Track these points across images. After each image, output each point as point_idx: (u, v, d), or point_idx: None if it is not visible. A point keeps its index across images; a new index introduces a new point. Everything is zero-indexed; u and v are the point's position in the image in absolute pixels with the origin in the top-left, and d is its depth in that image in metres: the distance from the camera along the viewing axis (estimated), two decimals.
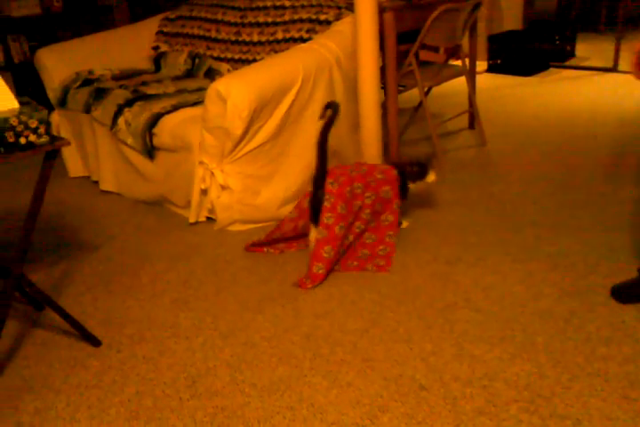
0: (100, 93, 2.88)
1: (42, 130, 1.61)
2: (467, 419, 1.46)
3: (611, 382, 1.54)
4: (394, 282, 2.07)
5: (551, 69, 4.78)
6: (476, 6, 3.08)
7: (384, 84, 3.01)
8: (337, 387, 1.61)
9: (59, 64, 3.17)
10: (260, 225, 2.53)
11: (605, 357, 1.63)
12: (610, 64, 4.60)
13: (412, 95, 4.17)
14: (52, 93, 3.13)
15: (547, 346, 1.69)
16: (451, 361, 1.67)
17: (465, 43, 3.48)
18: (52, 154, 1.67)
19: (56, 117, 3.16)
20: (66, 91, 3.05)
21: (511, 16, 4.99)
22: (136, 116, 2.66)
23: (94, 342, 1.85)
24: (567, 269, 2.05)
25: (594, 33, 5.90)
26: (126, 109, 2.72)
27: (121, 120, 2.71)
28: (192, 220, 2.55)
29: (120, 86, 2.97)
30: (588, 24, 6.02)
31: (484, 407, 1.49)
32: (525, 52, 4.60)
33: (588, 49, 5.26)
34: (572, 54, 5.03)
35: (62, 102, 3.07)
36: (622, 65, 4.58)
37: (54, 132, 3.20)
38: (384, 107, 3.10)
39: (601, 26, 5.91)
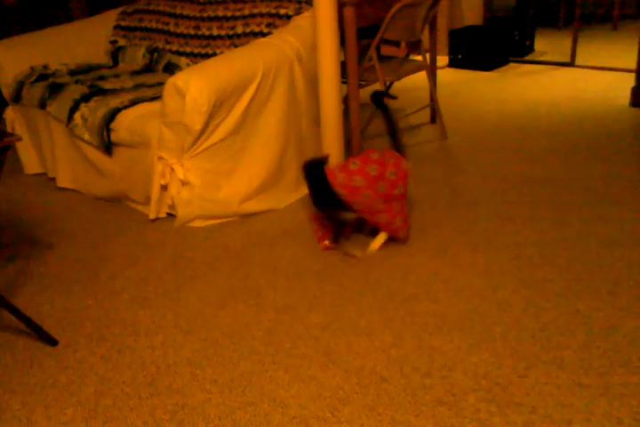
0: (55, 88, 2.82)
1: None
2: (426, 409, 1.48)
3: (566, 369, 1.58)
4: (355, 274, 2.08)
5: (511, 64, 4.86)
6: (435, 2, 3.10)
7: (345, 79, 3.01)
8: (298, 381, 1.61)
9: (12, 59, 3.09)
10: (221, 221, 2.51)
11: (561, 345, 1.67)
12: (567, 59, 4.69)
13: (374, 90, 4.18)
14: (6, 89, 3.04)
15: (504, 336, 1.72)
16: (411, 353, 1.68)
17: (425, 38, 3.50)
18: (3, 150, 1.62)
19: (10, 113, 3.08)
20: (20, 86, 2.97)
21: (471, 12, 5.05)
22: (93, 111, 2.60)
23: (51, 341, 1.81)
24: (524, 260, 2.09)
25: (553, 29, 6.01)
26: (83, 104, 2.66)
27: (77, 115, 2.65)
28: (152, 216, 2.51)
29: (76, 81, 2.91)
30: (547, 20, 6.13)
31: (443, 397, 1.51)
32: (485, 48, 4.66)
33: (546, 44, 5.35)
34: (530, 49, 5.12)
35: (17, 98, 2.99)
36: (579, 60, 4.68)
37: (9, 129, 3.11)
38: (346, 102, 3.11)
39: (560, 22, 6.02)
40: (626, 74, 4.25)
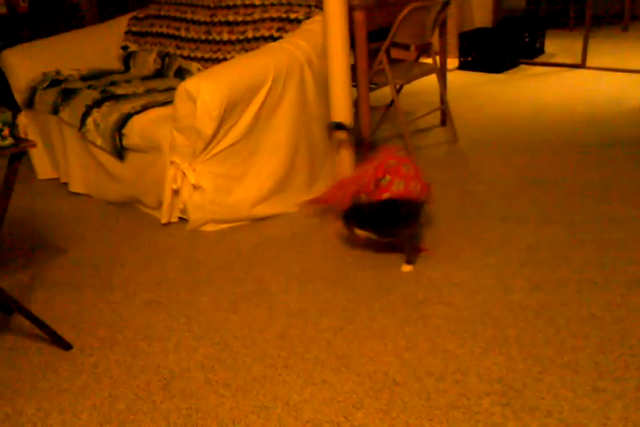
0: (67, 94, 2.84)
1: (6, 132, 1.58)
2: (440, 413, 1.48)
3: (580, 373, 1.57)
4: (367, 279, 2.08)
5: (521, 66, 4.84)
6: (445, 4, 3.10)
7: (355, 83, 3.01)
8: (311, 385, 1.61)
9: (25, 65, 3.12)
10: (233, 225, 2.52)
11: (575, 349, 1.66)
12: (578, 61, 4.67)
13: (384, 93, 4.18)
14: (19, 95, 3.08)
15: (518, 339, 1.71)
16: (424, 356, 1.68)
17: (435, 40, 3.50)
18: (18, 156, 1.64)
19: (23, 119, 3.10)
20: (33, 92, 2.99)
21: (481, 14, 5.04)
22: (105, 116, 2.62)
23: (65, 345, 1.82)
24: (537, 263, 2.08)
25: (563, 30, 5.99)
26: (95, 110, 2.68)
27: (89, 121, 2.67)
28: (164, 220, 2.53)
29: (88, 87, 2.93)
30: (557, 21, 6.10)
31: (456, 401, 1.51)
32: (496, 50, 4.65)
33: (556, 46, 5.33)
34: (541, 51, 5.10)
35: (29, 103, 3.01)
36: (590, 61, 4.66)
37: (21, 134, 3.14)
38: (356, 105, 3.11)
39: (570, 23, 6.00)
40: (637, 75, 4.22)
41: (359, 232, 2.11)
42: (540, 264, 2.07)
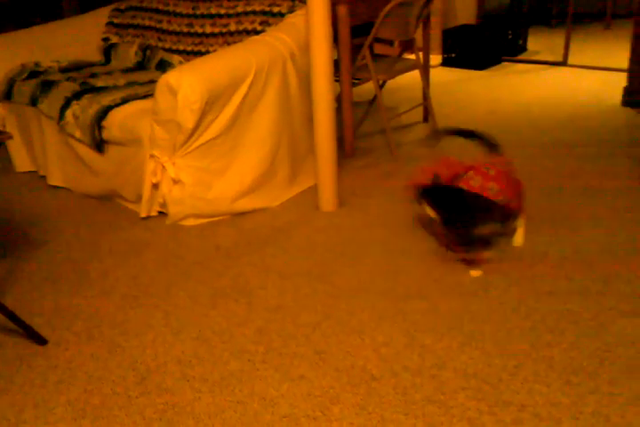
0: (46, 86, 2.80)
1: None
2: (416, 408, 1.48)
3: (555, 368, 1.58)
4: (347, 274, 2.08)
5: (504, 63, 4.86)
6: (429, 0, 3.10)
7: (338, 78, 3.01)
8: (289, 380, 1.61)
9: (4, 56, 3.07)
10: (213, 219, 2.51)
11: (550, 344, 1.67)
12: (560, 58, 4.70)
13: (368, 88, 4.18)
14: None
15: (494, 334, 1.73)
16: (402, 351, 1.69)
17: (419, 37, 3.50)
18: None
19: (1, 111, 3.05)
20: (11, 83, 2.95)
21: (465, 10, 5.05)
22: (84, 108, 2.59)
23: (40, 340, 1.80)
24: (515, 259, 2.10)
25: (545, 28, 6.02)
26: (74, 102, 2.65)
27: (69, 113, 2.64)
28: (143, 214, 2.51)
29: (68, 79, 2.89)
30: (540, 19, 6.14)
31: (432, 396, 1.52)
32: (479, 47, 4.66)
33: (539, 43, 5.36)
34: (523, 49, 5.12)
35: (7, 95, 2.96)
36: (572, 59, 4.69)
37: None
38: (339, 100, 3.10)
39: (552, 21, 6.03)
40: (618, 73, 4.26)
41: (428, 211, 2.05)
42: (517, 260, 2.09)
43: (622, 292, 1.88)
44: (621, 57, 4.49)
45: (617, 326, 1.72)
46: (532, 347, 1.66)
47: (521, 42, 5.08)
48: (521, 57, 4.98)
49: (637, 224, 2.27)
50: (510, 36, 4.92)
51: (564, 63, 4.67)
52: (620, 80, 3.74)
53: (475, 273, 2.01)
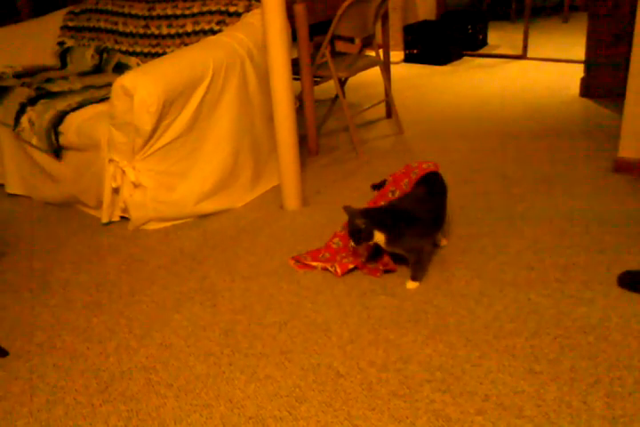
0: (0, 92, 2.74)
1: None
2: (382, 403, 1.49)
3: (517, 357, 1.61)
4: (312, 272, 2.08)
5: (465, 58, 4.91)
6: None
7: (300, 76, 3.00)
8: (255, 381, 1.60)
9: None
10: (176, 222, 2.48)
11: (512, 333, 1.70)
12: (520, 52, 4.76)
13: (331, 86, 4.18)
14: None
15: (458, 326, 1.74)
16: (367, 347, 1.69)
17: (379, 33, 3.52)
18: None
19: None
20: None
21: (425, 6, 5.09)
22: (40, 114, 2.54)
23: (1, 352, 1.76)
24: (476, 251, 2.12)
25: (505, 22, 6.09)
26: (29, 108, 2.60)
27: (24, 119, 2.59)
28: (105, 220, 2.47)
29: (23, 84, 2.84)
30: (500, 13, 6.21)
31: (398, 390, 1.52)
32: (440, 42, 4.70)
33: (499, 38, 5.42)
34: (484, 43, 5.18)
35: None
36: (531, 52, 4.76)
37: None
38: (301, 99, 3.10)
39: (511, 15, 6.11)
40: (575, 65, 4.34)
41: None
42: (479, 252, 2.11)
43: (581, 280, 1.91)
44: (579, 49, 4.57)
45: (576, 314, 1.75)
46: (494, 337, 1.68)
47: (481, 36, 5.13)
48: (482, 51, 5.04)
49: (594, 212, 2.32)
50: (471, 31, 4.97)
51: (523, 56, 4.73)
52: (578, 72, 3.80)
53: (411, 285, 1.95)
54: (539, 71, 4.36)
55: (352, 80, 4.37)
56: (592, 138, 3.06)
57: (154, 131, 2.28)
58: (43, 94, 2.68)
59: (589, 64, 3.61)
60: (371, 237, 1.86)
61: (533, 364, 1.58)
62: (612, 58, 3.54)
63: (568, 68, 4.33)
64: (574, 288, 1.87)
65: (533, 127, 3.28)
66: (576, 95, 3.72)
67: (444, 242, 2.16)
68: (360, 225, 1.84)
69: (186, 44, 2.88)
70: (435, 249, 2.13)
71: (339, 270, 2.03)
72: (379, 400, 1.50)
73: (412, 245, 1.94)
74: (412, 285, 1.95)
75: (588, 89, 3.68)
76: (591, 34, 3.57)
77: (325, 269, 2.07)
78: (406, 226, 1.90)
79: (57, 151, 2.52)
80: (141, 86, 2.20)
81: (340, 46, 4.38)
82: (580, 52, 3.78)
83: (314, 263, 2.09)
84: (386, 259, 2.03)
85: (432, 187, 2.02)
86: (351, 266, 2.04)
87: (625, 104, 2.51)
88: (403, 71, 4.67)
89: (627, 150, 2.59)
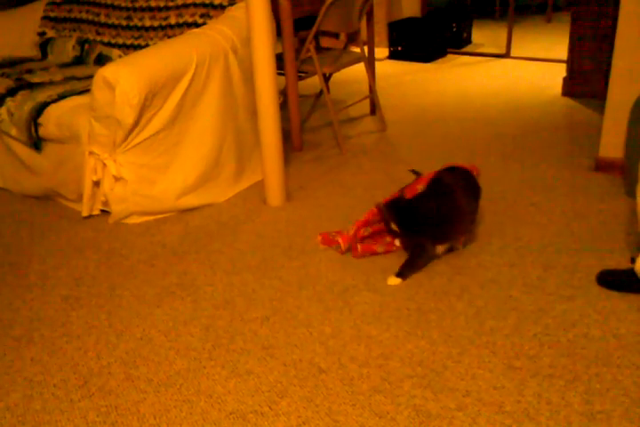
0: None
1: None
2: (363, 398, 1.49)
3: (497, 353, 1.62)
4: (294, 268, 2.07)
5: (449, 56, 4.93)
6: None
7: (284, 71, 2.99)
8: (236, 376, 1.59)
9: None
10: (158, 217, 2.46)
11: (493, 330, 1.71)
12: (503, 50, 4.79)
13: (316, 82, 4.17)
14: None
15: (439, 323, 1.75)
16: (349, 343, 1.69)
17: (364, 30, 3.51)
18: None
19: None
20: None
21: (410, 4, 5.09)
22: (19, 105, 2.50)
23: None
24: (459, 248, 2.13)
25: (489, 20, 6.12)
26: (9, 99, 2.55)
27: (3, 110, 2.54)
28: (85, 213, 2.44)
29: (2, 75, 2.79)
30: (484, 11, 6.24)
31: (379, 386, 1.53)
32: (424, 40, 4.71)
33: (483, 36, 5.45)
34: (468, 41, 5.20)
35: None
36: (514, 51, 4.79)
37: None
38: (285, 94, 3.08)
39: (496, 14, 6.14)
40: (558, 64, 4.38)
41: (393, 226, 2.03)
42: (461, 250, 2.12)
43: (561, 277, 1.93)
44: (561, 49, 4.62)
45: (556, 311, 1.77)
46: (475, 334, 1.70)
47: (466, 34, 5.15)
48: (466, 49, 5.06)
49: (574, 211, 2.34)
50: (455, 29, 4.99)
51: (507, 55, 4.76)
52: (561, 71, 3.84)
53: (392, 281, 1.95)
54: (522, 70, 4.39)
55: (336, 76, 4.36)
56: (573, 137, 3.09)
57: (136, 124, 2.25)
58: (23, 85, 2.63)
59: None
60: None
61: (513, 360, 1.59)
62: (595, 58, 3.58)
63: (550, 68, 4.36)
64: (554, 286, 1.89)
65: (515, 126, 3.30)
66: (558, 94, 3.75)
67: (459, 246, 2.13)
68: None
69: (169, 37, 2.85)
70: (443, 255, 2.10)
71: (359, 249, 2.10)
72: (360, 396, 1.50)
73: (420, 243, 1.98)
74: (393, 281, 1.95)
75: (569, 88, 3.71)
76: (574, 34, 3.60)
77: (347, 249, 2.13)
78: (424, 223, 1.96)
79: (36, 143, 2.48)
80: (123, 78, 2.17)
81: (325, 42, 4.37)
82: (562, 51, 3.82)
83: (340, 241, 2.13)
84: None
85: (466, 191, 2.04)
86: (380, 250, 2.12)
87: (606, 104, 2.54)
88: (387, 68, 4.67)
89: (607, 149, 2.62)
